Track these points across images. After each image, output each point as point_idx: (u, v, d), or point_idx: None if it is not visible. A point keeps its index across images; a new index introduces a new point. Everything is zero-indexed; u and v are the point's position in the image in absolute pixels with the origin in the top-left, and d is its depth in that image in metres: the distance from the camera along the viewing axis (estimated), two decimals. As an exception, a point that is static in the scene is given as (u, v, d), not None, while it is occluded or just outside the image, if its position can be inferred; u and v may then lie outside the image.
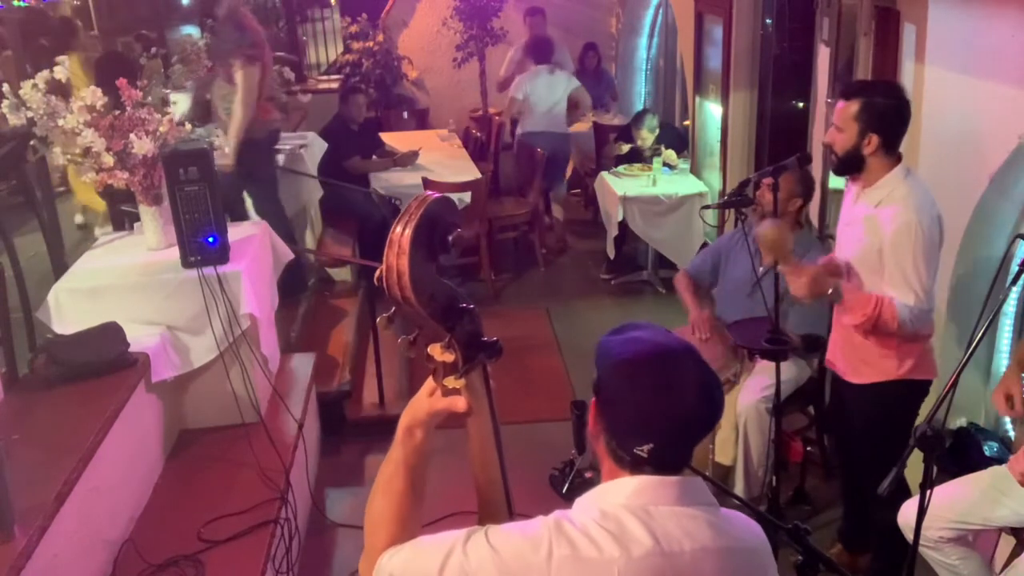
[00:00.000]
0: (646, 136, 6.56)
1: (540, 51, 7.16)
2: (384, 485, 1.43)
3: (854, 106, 2.78)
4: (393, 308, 1.34)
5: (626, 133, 6.94)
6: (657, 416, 1.33)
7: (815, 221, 4.41)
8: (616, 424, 1.37)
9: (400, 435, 1.44)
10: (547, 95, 7.08)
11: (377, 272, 1.31)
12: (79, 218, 5.73)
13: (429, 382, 1.44)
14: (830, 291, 2.85)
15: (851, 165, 2.87)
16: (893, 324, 2.78)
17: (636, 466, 1.35)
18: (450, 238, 1.33)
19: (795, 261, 2.94)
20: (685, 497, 1.34)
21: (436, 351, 1.36)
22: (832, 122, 2.88)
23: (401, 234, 1.28)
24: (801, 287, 2.87)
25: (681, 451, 1.37)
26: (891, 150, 2.81)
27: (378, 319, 1.36)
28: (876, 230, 2.80)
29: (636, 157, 6.65)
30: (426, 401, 1.43)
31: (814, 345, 3.57)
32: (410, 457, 1.43)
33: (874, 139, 2.77)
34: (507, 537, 1.31)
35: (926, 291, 2.76)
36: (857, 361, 3.01)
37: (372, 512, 1.43)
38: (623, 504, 1.32)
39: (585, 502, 1.37)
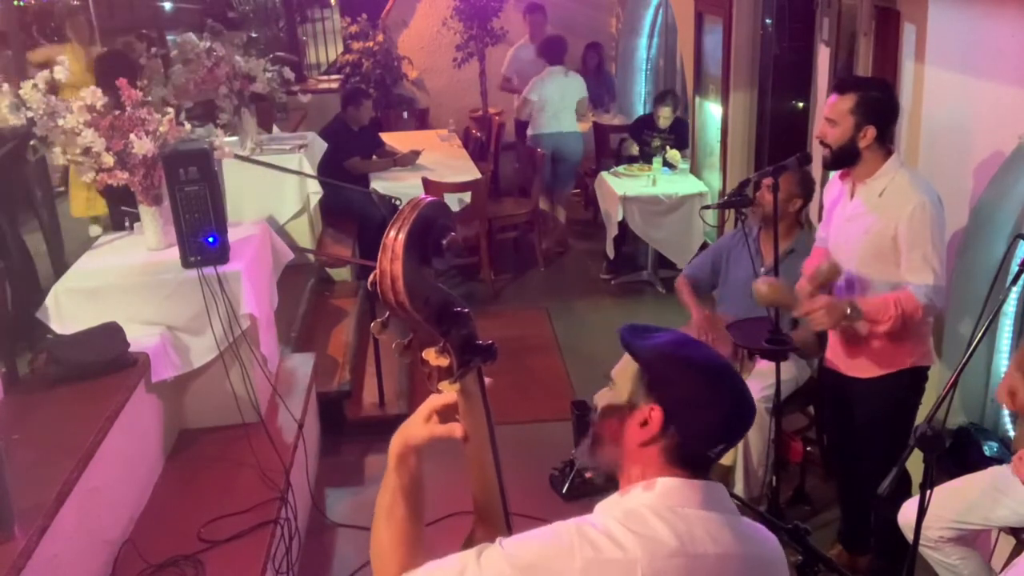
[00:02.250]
0: (668, 115, 6.54)
1: (554, 51, 7.09)
2: (385, 515, 1.42)
3: (849, 100, 2.83)
4: (387, 312, 1.33)
5: (635, 131, 6.93)
6: (737, 419, 1.39)
7: (815, 221, 4.41)
8: (693, 428, 1.37)
9: (394, 463, 1.43)
10: (559, 97, 7.02)
11: (371, 277, 1.30)
12: (95, 229, 5.66)
13: (425, 406, 1.43)
14: (848, 311, 2.87)
15: (845, 158, 2.91)
16: (919, 313, 2.83)
17: (702, 468, 1.38)
18: (444, 242, 1.32)
19: (800, 301, 2.96)
20: (709, 502, 1.34)
21: (431, 355, 1.36)
22: (824, 117, 2.91)
23: (395, 239, 1.27)
24: (820, 318, 2.90)
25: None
26: (883, 143, 2.88)
27: (372, 324, 1.36)
28: (889, 217, 2.84)
29: (642, 154, 6.64)
30: (424, 427, 1.42)
31: (825, 340, 3.54)
32: (407, 483, 1.42)
33: (870, 131, 2.82)
34: (524, 544, 1.29)
35: (943, 267, 2.83)
36: (867, 356, 3.02)
37: (378, 544, 1.42)
38: (648, 504, 1.32)
39: (607, 504, 1.38)
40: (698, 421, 1.36)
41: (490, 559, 1.28)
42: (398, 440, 1.43)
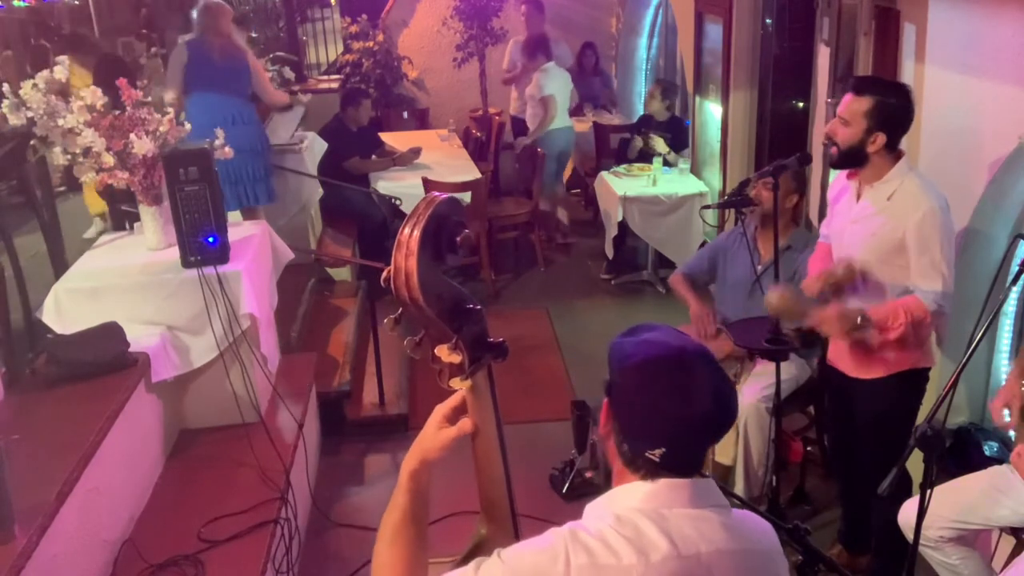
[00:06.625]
0: (656, 96, 6.54)
1: (544, 47, 7.12)
2: (391, 535, 1.41)
3: (866, 103, 2.79)
4: (400, 309, 1.34)
5: (636, 130, 6.92)
6: (669, 420, 1.31)
7: (815, 218, 4.41)
8: (628, 427, 1.35)
9: (406, 481, 1.42)
10: (563, 89, 7.12)
11: (384, 273, 1.31)
12: (92, 231, 5.66)
13: (434, 417, 1.44)
14: (859, 320, 2.85)
15: (852, 160, 2.89)
16: (927, 319, 2.82)
17: (648, 471, 1.33)
18: (458, 239, 1.33)
19: (812, 312, 2.95)
20: (697, 499, 1.34)
21: (443, 352, 1.36)
22: (837, 114, 2.88)
23: (409, 235, 1.28)
24: (832, 329, 2.90)
25: (692, 455, 1.36)
26: (893, 148, 2.85)
27: (385, 320, 1.36)
28: (897, 221, 2.82)
29: (643, 157, 6.63)
30: (437, 436, 1.42)
31: (812, 339, 3.55)
32: (416, 504, 1.42)
33: (880, 138, 2.80)
34: (521, 553, 1.30)
35: (951, 273, 2.81)
36: (869, 357, 3.01)
37: (381, 563, 1.41)
38: (637, 508, 1.31)
39: (597, 508, 1.36)
40: (630, 419, 1.34)
41: (489, 568, 1.29)
42: (414, 456, 1.43)
